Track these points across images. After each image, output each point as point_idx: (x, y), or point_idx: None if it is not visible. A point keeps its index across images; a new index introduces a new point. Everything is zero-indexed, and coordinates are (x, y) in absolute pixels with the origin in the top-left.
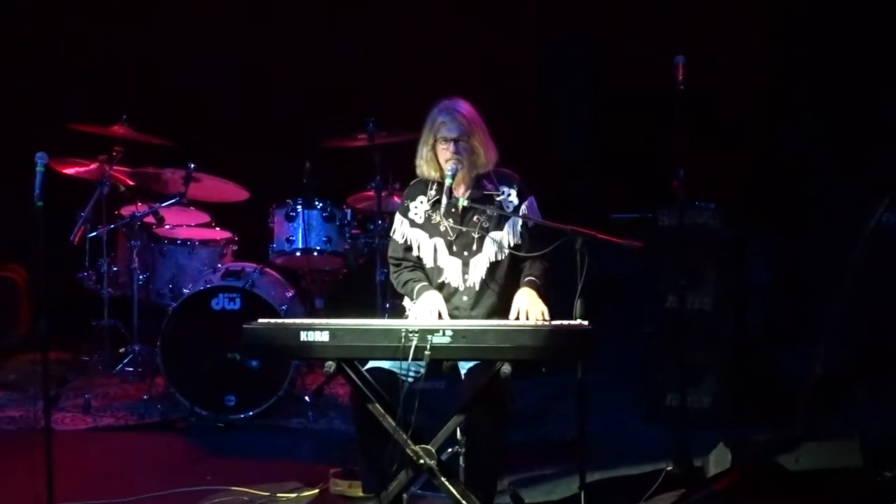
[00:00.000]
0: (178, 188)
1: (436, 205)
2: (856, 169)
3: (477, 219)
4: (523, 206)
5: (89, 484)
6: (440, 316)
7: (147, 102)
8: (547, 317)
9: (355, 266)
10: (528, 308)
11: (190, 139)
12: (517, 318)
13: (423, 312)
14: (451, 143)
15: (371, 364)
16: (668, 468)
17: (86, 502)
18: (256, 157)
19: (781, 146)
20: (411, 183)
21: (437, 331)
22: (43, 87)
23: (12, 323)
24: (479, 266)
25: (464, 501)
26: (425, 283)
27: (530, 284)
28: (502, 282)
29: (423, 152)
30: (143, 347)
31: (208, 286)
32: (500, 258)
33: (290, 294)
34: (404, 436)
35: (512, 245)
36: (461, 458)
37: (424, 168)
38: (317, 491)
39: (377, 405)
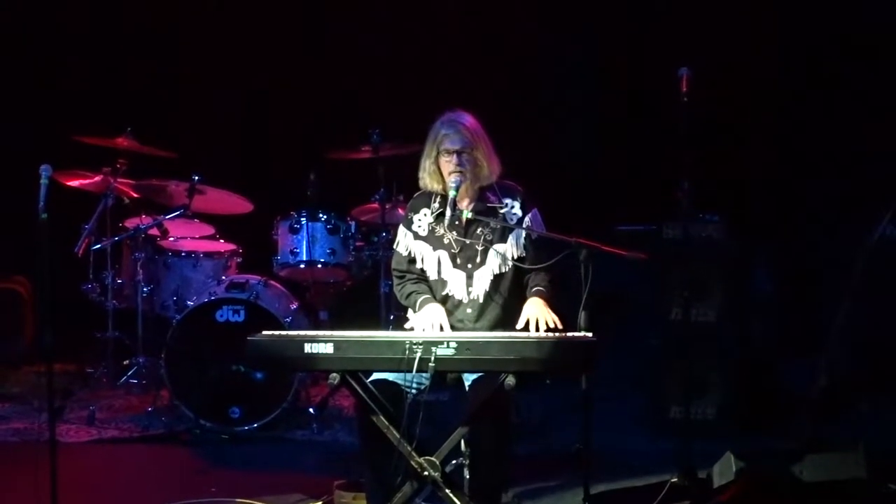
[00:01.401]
0: (182, 200)
1: (439, 217)
2: (860, 181)
3: (481, 231)
4: (527, 218)
5: (93, 496)
6: (441, 329)
7: (151, 114)
8: (559, 325)
9: (359, 278)
10: (539, 316)
11: (194, 151)
12: (526, 328)
13: (425, 324)
14: (455, 156)
15: (375, 376)
16: (673, 480)
17: None
18: (260, 169)
19: (786, 158)
20: (415, 195)
21: (442, 343)
22: (47, 99)
23: (17, 335)
24: (483, 278)
25: None
26: (428, 296)
27: (538, 294)
28: (506, 294)
29: (427, 165)
30: (148, 359)
31: (212, 298)
32: (503, 270)
33: (294, 306)
34: (409, 447)
35: (516, 257)
36: (465, 470)
37: (428, 181)
38: (321, 503)
39: (381, 417)
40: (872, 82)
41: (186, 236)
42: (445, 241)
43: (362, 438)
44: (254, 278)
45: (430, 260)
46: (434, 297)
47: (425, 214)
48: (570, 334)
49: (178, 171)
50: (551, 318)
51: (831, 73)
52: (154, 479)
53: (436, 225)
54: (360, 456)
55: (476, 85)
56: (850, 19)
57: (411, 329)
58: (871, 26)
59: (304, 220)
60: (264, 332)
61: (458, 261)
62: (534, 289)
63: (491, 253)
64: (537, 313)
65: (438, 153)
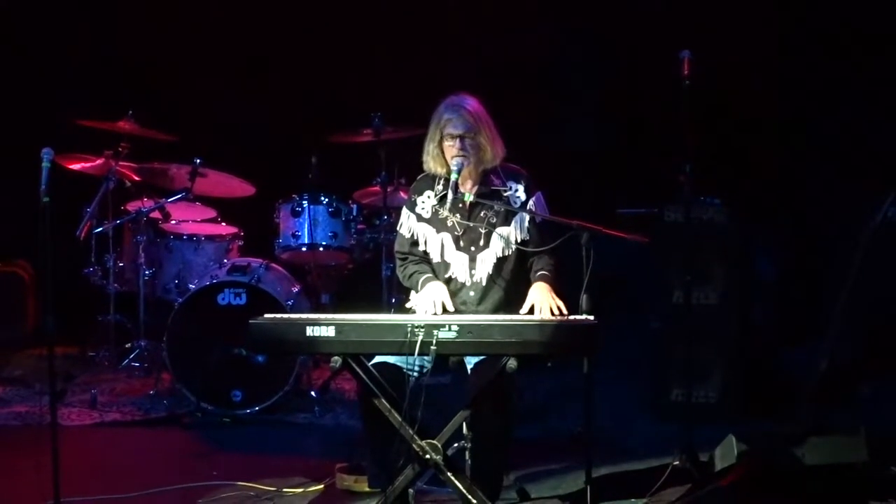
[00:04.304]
0: (183, 183)
1: (443, 200)
2: (862, 164)
3: (484, 214)
4: (531, 202)
5: (95, 479)
6: (444, 306)
7: (153, 98)
8: (564, 311)
9: (361, 261)
10: (543, 303)
11: (196, 134)
12: (530, 312)
13: (426, 302)
14: (458, 140)
15: (377, 359)
16: (675, 463)
17: (92, 497)
18: (262, 152)
19: (787, 141)
20: (418, 177)
21: (443, 326)
22: (49, 82)
23: (18, 318)
24: (486, 261)
25: (470, 496)
26: (430, 275)
27: (543, 279)
28: (509, 277)
29: (430, 148)
30: (149, 343)
31: (214, 281)
32: (507, 254)
33: (296, 289)
34: (410, 431)
35: (519, 240)
36: (467, 453)
37: (431, 164)
38: (323, 486)
39: (383, 400)
40: (874, 65)
41: (188, 219)
42: (449, 223)
43: (364, 422)
44: (255, 261)
45: (434, 242)
46: (436, 277)
47: (429, 197)
48: (571, 317)
49: (180, 155)
50: (556, 305)
51: (833, 55)
52: (155, 462)
53: (439, 207)
54: (361, 439)
55: (477, 68)
56: (854, 7)
57: (413, 308)
58: (873, 10)
59: (305, 203)
60: (266, 316)
61: (462, 243)
62: (538, 273)
63: (494, 236)
64: (542, 299)
65: (442, 137)
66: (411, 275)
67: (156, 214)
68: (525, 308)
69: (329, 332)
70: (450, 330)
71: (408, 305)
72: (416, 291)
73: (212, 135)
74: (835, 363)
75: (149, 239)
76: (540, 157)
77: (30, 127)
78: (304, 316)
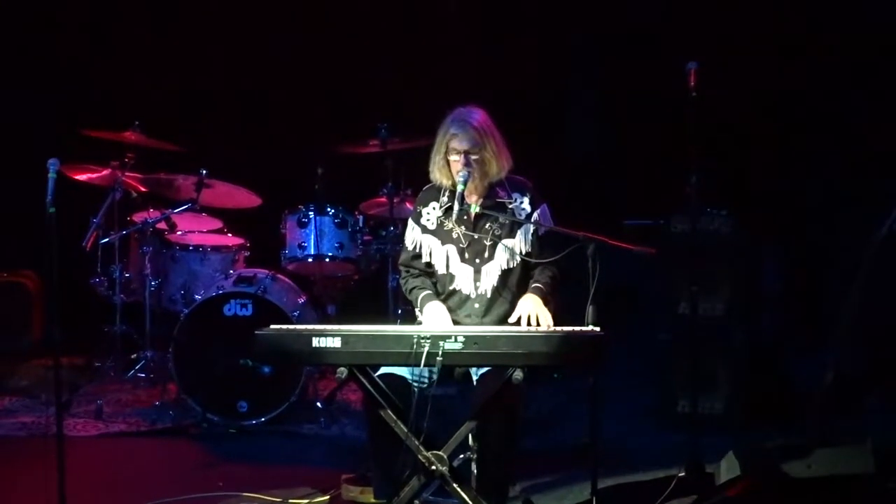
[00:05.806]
0: (190, 194)
1: (448, 211)
2: (869, 175)
3: (489, 226)
4: (536, 214)
5: (101, 490)
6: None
7: (159, 108)
8: (550, 325)
9: (367, 272)
10: (530, 313)
11: (202, 145)
12: (517, 322)
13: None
14: (462, 156)
15: (383, 370)
16: (680, 474)
17: None
18: (268, 163)
19: (794, 152)
20: (423, 189)
21: (449, 337)
22: (55, 93)
23: (24, 328)
24: (491, 273)
25: None
26: (429, 292)
27: (536, 291)
28: (514, 289)
29: (436, 160)
30: (155, 353)
31: (220, 292)
32: (512, 266)
33: (302, 300)
34: (416, 442)
35: (524, 252)
36: (473, 464)
37: (437, 174)
38: (328, 497)
39: (389, 411)
40: (878, 71)
41: (194, 230)
42: (454, 235)
43: (370, 433)
44: (261, 272)
45: (439, 254)
46: (436, 293)
47: (434, 208)
48: (577, 329)
49: (186, 165)
50: (542, 317)
51: (836, 60)
52: (161, 473)
53: (444, 219)
54: (367, 450)
55: (483, 79)
56: (853, 16)
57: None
58: (874, 24)
59: (312, 214)
60: (272, 327)
61: (467, 255)
62: (534, 284)
63: (499, 248)
64: (528, 309)
65: (447, 150)
66: (411, 290)
67: (162, 225)
68: (514, 317)
69: (335, 343)
70: (456, 341)
71: (419, 322)
72: (416, 307)
73: (218, 145)
74: (841, 374)
75: (155, 249)
76: (546, 168)
77: (36, 137)
78: (310, 327)
